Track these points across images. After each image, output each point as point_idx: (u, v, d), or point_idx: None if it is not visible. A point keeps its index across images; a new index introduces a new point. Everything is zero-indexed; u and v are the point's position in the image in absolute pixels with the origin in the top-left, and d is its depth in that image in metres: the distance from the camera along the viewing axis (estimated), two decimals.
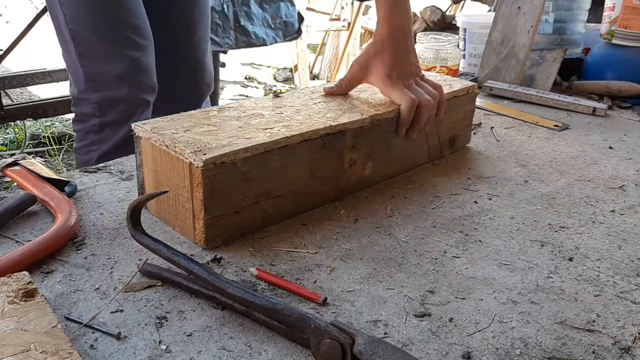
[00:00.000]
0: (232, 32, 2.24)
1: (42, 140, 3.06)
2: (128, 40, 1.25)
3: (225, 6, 2.14)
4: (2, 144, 3.05)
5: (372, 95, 1.01)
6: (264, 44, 3.18)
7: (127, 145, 0.93)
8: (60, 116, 3.35)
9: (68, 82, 1.36)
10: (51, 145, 2.96)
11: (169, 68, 1.41)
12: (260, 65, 5.63)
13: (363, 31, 5.34)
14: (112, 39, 1.24)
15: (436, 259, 0.77)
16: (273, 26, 3.13)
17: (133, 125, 0.82)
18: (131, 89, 1.26)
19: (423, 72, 1.01)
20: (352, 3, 5.04)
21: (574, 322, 0.66)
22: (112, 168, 0.99)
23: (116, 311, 0.64)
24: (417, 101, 0.93)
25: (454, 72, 1.46)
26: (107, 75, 1.25)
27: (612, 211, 0.93)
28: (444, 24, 3.41)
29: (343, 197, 0.92)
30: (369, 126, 0.91)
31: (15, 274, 0.62)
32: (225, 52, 2.64)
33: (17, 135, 3.12)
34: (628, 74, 1.54)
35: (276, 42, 3.11)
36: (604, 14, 1.60)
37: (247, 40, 2.50)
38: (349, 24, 5.05)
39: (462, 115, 1.11)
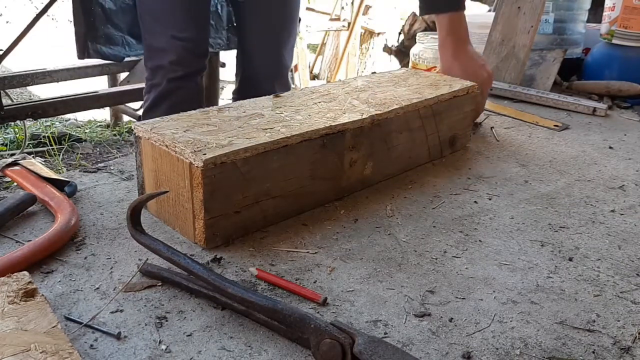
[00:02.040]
0: (225, 32, 2.23)
1: (42, 140, 3.05)
2: (173, 35, 1.58)
3: (219, 6, 2.14)
4: (2, 144, 3.05)
5: (372, 95, 1.01)
6: None
7: (159, 102, 1.59)
8: (60, 116, 3.35)
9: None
10: (51, 145, 2.96)
11: (250, 52, 1.77)
12: None
13: (363, 31, 5.34)
14: (163, 27, 1.59)
15: (436, 259, 0.77)
16: None
17: (133, 125, 0.82)
18: (170, 60, 1.60)
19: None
20: (352, 3, 5.04)
21: (574, 322, 0.66)
22: (112, 168, 1.00)
23: (116, 311, 0.64)
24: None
25: None
26: (155, 48, 1.62)
27: (612, 211, 0.93)
28: None
29: (343, 197, 0.92)
30: (369, 126, 0.91)
31: (15, 274, 0.62)
32: (216, 53, 2.64)
33: (17, 135, 3.11)
34: (628, 74, 1.54)
35: None
36: (604, 14, 1.60)
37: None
38: (349, 24, 5.05)
39: (462, 115, 1.11)
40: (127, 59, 2.27)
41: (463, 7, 1.21)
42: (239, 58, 1.84)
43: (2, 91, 2.74)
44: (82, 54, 2.02)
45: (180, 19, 1.58)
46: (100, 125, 3.60)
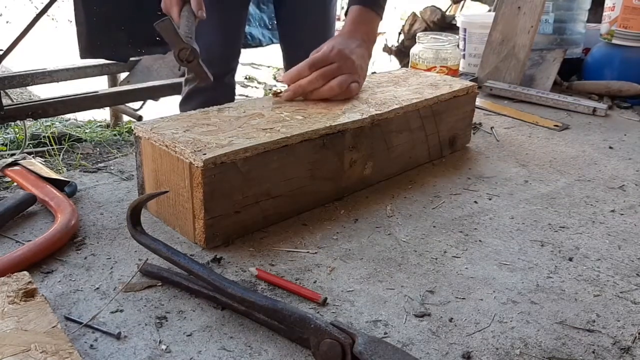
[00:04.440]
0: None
1: (42, 140, 3.05)
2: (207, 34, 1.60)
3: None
4: (2, 144, 3.05)
5: (372, 95, 1.01)
6: (260, 44, 3.16)
7: (192, 96, 1.66)
8: (60, 116, 3.35)
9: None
10: (51, 145, 2.96)
11: (293, 53, 1.74)
12: (260, 65, 5.63)
13: None
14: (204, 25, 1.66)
15: (436, 259, 0.77)
16: (270, 27, 3.12)
17: (133, 125, 0.82)
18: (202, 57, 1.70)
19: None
20: None
21: (574, 322, 0.66)
22: (112, 168, 1.00)
23: (116, 311, 0.64)
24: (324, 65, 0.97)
25: (454, 72, 1.46)
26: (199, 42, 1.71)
27: (612, 211, 0.93)
28: (444, 24, 3.41)
29: (343, 197, 0.92)
30: (369, 126, 0.91)
31: (15, 274, 0.62)
32: None
33: (17, 135, 3.12)
34: (628, 74, 1.54)
35: (273, 42, 3.10)
36: (604, 14, 1.59)
37: (242, 41, 2.52)
38: None
39: (462, 115, 1.11)
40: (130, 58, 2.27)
41: (377, 9, 1.10)
42: (284, 57, 1.86)
43: (2, 91, 2.74)
44: (84, 54, 2.02)
45: (212, 22, 1.66)
46: (100, 125, 3.60)
